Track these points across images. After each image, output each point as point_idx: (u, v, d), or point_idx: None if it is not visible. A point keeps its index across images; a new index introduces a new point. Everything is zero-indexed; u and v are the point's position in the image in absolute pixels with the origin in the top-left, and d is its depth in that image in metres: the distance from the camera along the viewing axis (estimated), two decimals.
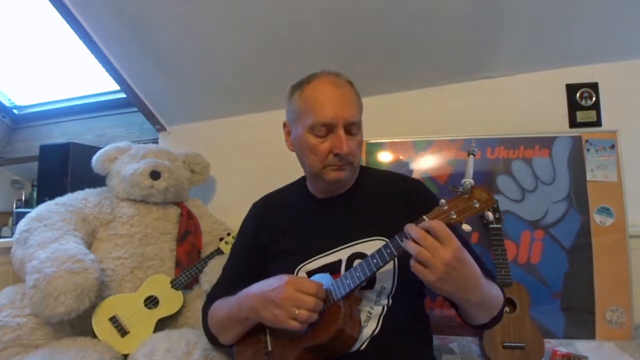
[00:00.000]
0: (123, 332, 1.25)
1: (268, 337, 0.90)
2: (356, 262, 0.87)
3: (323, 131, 0.89)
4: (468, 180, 0.75)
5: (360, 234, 0.92)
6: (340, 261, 0.90)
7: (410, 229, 0.73)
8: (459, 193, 0.75)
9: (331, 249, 0.92)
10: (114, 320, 1.26)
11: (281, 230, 1.00)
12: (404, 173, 1.12)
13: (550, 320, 1.33)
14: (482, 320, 0.85)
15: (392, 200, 0.98)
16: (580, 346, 1.25)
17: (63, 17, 1.47)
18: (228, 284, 1.01)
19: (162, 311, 1.34)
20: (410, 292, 0.91)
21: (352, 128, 0.90)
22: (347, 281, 0.81)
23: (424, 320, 0.98)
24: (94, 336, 1.22)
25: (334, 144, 0.88)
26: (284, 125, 1.00)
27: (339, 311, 0.79)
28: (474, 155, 0.81)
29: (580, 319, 1.32)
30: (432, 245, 0.69)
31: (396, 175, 1.07)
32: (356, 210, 0.97)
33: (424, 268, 0.70)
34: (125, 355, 1.19)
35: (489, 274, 0.90)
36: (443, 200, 0.76)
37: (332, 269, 0.90)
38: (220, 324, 0.96)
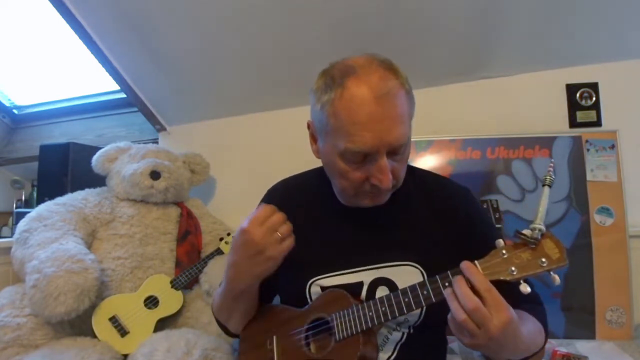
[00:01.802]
0: (123, 332, 1.25)
1: (275, 348, 0.82)
2: (380, 288, 0.77)
3: (359, 158, 0.70)
4: (538, 227, 0.60)
5: (389, 256, 0.78)
6: (361, 284, 0.78)
7: (459, 287, 0.59)
8: (524, 240, 0.60)
9: (353, 268, 0.79)
10: (114, 320, 1.26)
11: (298, 232, 0.83)
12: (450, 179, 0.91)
13: (550, 320, 1.31)
14: None
15: (433, 218, 0.81)
16: (580, 346, 1.25)
17: (63, 17, 1.47)
18: None
19: (162, 311, 1.34)
20: (435, 322, 0.78)
21: (399, 149, 0.70)
22: (370, 314, 0.69)
23: (442, 342, 0.88)
24: (94, 336, 1.22)
25: (371, 173, 0.70)
26: (308, 126, 0.81)
27: (357, 344, 0.71)
28: (550, 187, 0.62)
29: (580, 319, 1.32)
30: (482, 318, 0.56)
31: (442, 185, 0.87)
32: (388, 225, 0.81)
33: (464, 335, 0.59)
34: (125, 355, 1.19)
35: (534, 299, 0.79)
36: (502, 242, 0.62)
37: (351, 290, 0.77)
38: (221, 307, 0.87)
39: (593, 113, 1.49)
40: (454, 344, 1.32)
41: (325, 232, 0.84)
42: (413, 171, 0.87)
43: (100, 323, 1.24)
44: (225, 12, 1.39)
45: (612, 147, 1.38)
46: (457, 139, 1.48)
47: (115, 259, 1.35)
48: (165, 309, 1.35)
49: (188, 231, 1.52)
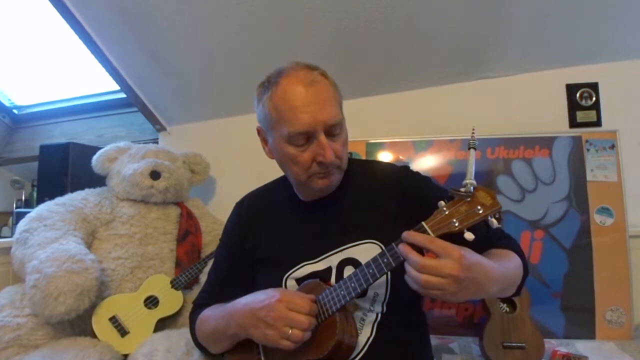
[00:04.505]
0: (123, 332, 1.25)
1: (261, 350, 0.87)
2: (347, 268, 0.84)
3: (301, 140, 0.80)
4: (469, 182, 0.67)
5: (350, 238, 0.86)
6: (330, 269, 0.85)
7: (408, 254, 0.66)
8: (460, 195, 0.68)
9: (320, 256, 0.86)
10: (114, 320, 1.26)
11: (266, 235, 0.94)
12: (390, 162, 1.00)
13: (550, 320, 1.33)
14: (508, 295, 0.80)
15: (383, 197, 0.90)
16: (580, 346, 1.25)
17: (63, 17, 1.47)
18: (214, 291, 0.98)
19: (162, 311, 1.34)
20: (406, 298, 0.85)
21: (334, 129, 0.81)
22: (342, 292, 0.76)
23: (421, 322, 0.94)
24: (94, 336, 1.22)
25: (316, 152, 0.80)
26: (258, 131, 0.91)
27: (334, 323, 0.75)
28: (475, 149, 0.71)
29: (580, 319, 1.32)
30: (435, 268, 0.63)
31: (385, 168, 0.99)
32: (345, 211, 0.90)
33: (434, 292, 0.64)
34: (125, 355, 1.19)
35: (500, 236, 0.87)
36: (442, 202, 0.69)
37: (322, 276, 0.84)
38: (208, 338, 0.93)
39: (593, 113, 1.49)
40: (454, 344, 1.33)
41: (292, 229, 0.92)
42: (358, 162, 0.99)
43: (100, 323, 1.24)
44: (225, 12, 1.40)
45: (612, 147, 1.38)
46: (457, 139, 1.48)
47: (115, 259, 1.35)
48: (165, 309, 1.35)
49: (188, 231, 1.52)
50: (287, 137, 0.80)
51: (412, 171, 0.96)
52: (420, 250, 0.67)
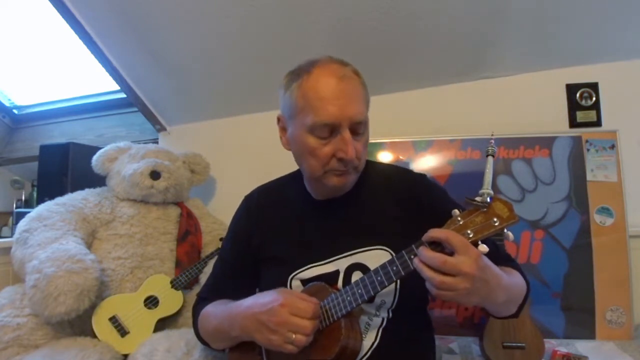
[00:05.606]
0: (123, 332, 1.25)
1: (263, 349, 0.86)
2: (355, 274, 0.82)
3: (325, 132, 0.78)
4: (487, 192, 0.66)
5: (360, 243, 0.84)
6: (337, 272, 0.84)
7: (424, 254, 0.64)
8: (476, 205, 0.65)
9: (328, 258, 0.85)
10: (114, 320, 1.26)
11: (275, 232, 0.92)
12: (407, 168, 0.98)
13: (550, 320, 1.33)
14: (510, 312, 0.78)
15: (396, 204, 0.88)
16: (580, 346, 1.25)
17: (63, 17, 1.47)
18: (218, 285, 0.98)
19: (162, 311, 1.34)
20: (413, 304, 0.85)
21: (359, 128, 0.80)
22: (349, 298, 0.74)
23: (426, 326, 0.93)
24: (94, 336, 1.23)
25: (338, 146, 0.78)
26: (278, 119, 0.90)
27: (339, 328, 0.75)
28: (494, 156, 0.69)
29: (580, 319, 1.32)
30: (453, 267, 0.61)
31: (400, 174, 0.96)
32: (357, 215, 0.88)
33: (447, 292, 0.63)
34: (125, 355, 1.19)
35: (506, 258, 0.86)
36: (457, 211, 0.67)
37: (329, 279, 0.83)
38: (211, 335, 0.92)
39: (593, 113, 1.49)
40: (454, 344, 1.33)
41: (301, 228, 0.90)
42: (375, 165, 0.97)
43: (100, 323, 1.24)
44: (225, 12, 1.39)
45: (612, 147, 1.38)
46: (457, 139, 1.48)
47: (115, 259, 1.35)
48: (165, 309, 1.35)
49: (188, 231, 1.52)
50: (310, 127, 0.78)
51: (428, 180, 0.94)
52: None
